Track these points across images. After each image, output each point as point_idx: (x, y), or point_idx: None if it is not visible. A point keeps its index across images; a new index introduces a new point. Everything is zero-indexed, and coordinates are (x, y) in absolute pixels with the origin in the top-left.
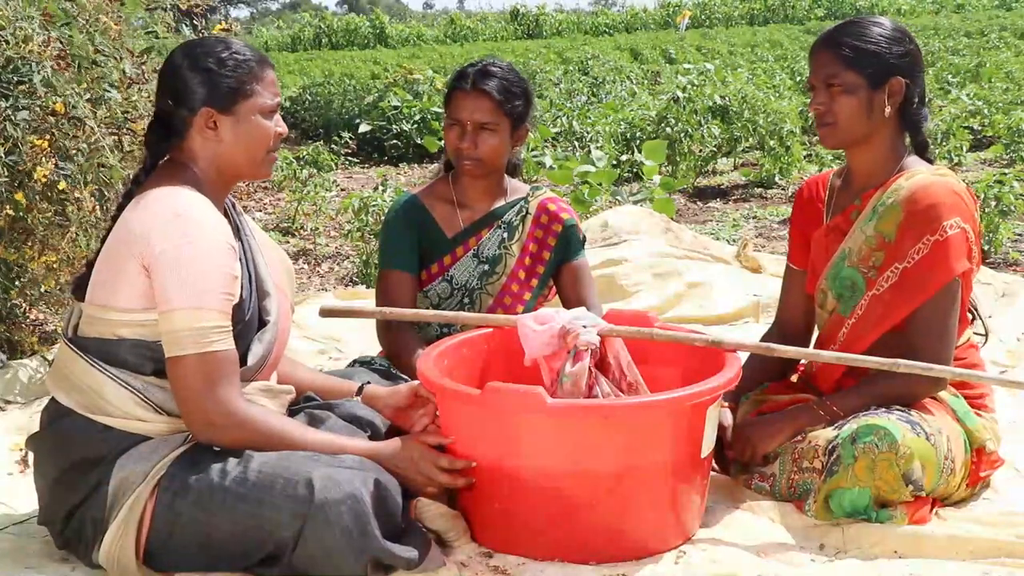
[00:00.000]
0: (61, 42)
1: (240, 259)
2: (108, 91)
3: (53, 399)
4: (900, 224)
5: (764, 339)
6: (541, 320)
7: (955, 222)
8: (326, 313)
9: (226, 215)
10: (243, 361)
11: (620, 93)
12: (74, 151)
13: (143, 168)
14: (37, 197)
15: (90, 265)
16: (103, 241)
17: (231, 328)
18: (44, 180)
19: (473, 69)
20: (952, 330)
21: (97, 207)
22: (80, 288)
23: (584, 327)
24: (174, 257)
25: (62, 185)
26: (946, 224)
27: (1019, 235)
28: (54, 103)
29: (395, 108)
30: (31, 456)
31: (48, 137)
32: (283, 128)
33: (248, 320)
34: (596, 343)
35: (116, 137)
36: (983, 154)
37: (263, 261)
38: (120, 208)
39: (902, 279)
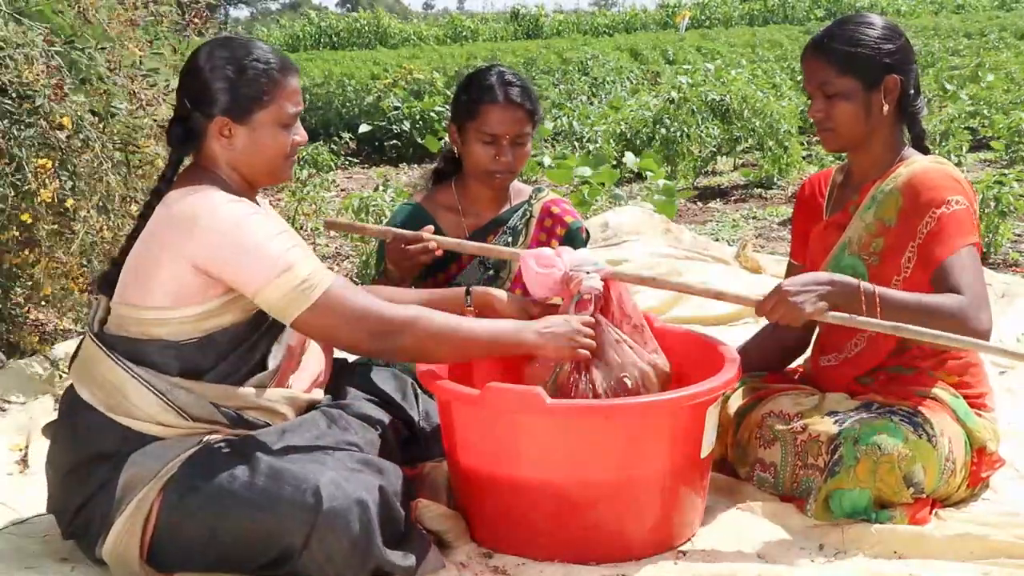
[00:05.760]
0: (60, 69)
1: None
2: (116, 108)
3: (73, 389)
4: (901, 208)
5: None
6: (544, 263)
7: (959, 199)
8: (330, 226)
9: None
10: (263, 365)
11: (620, 93)
12: (79, 165)
13: (169, 164)
14: (44, 216)
15: (115, 262)
16: (129, 239)
17: (323, 266)
18: (49, 200)
19: (496, 80)
20: (980, 275)
21: (104, 225)
22: (106, 285)
23: (587, 273)
24: (232, 245)
25: (69, 203)
26: (951, 199)
27: (1019, 235)
28: (61, 117)
29: (395, 108)
30: (35, 448)
31: (54, 155)
32: (301, 136)
33: (273, 319)
34: (599, 289)
35: (123, 154)
36: (983, 154)
37: None
38: (148, 206)
39: (920, 254)
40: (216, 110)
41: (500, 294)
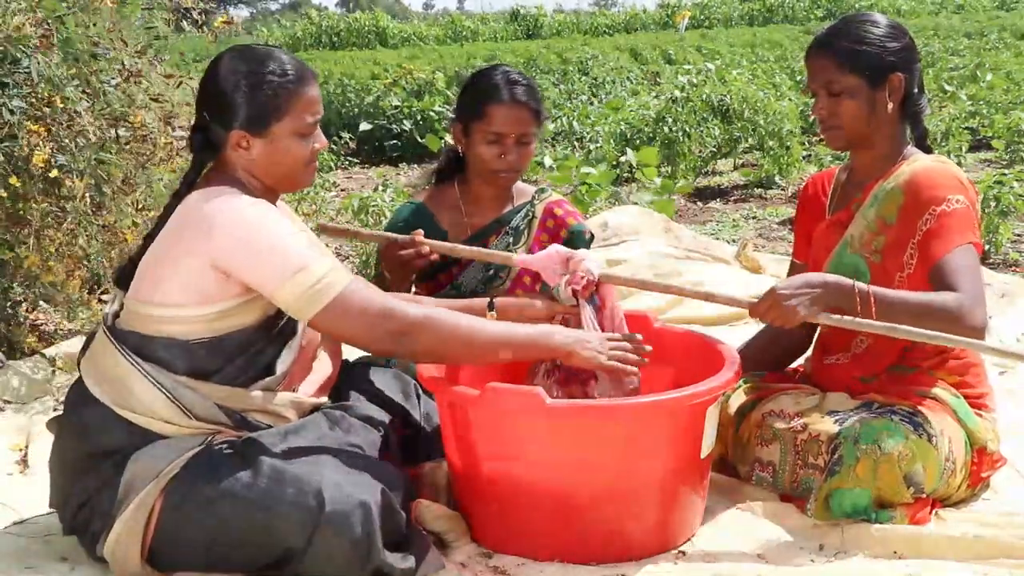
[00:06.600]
0: (47, 23)
1: None
2: (106, 83)
3: (80, 382)
4: (902, 206)
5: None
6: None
7: (959, 198)
8: (323, 230)
9: None
10: (272, 370)
11: (620, 93)
12: (68, 141)
13: (192, 168)
14: (34, 186)
15: (132, 259)
16: (147, 238)
17: (341, 266)
18: (42, 165)
19: (502, 80)
20: (977, 273)
21: (89, 199)
22: (123, 279)
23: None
24: (248, 245)
25: (54, 173)
26: (951, 198)
27: (1019, 235)
28: (50, 95)
29: (395, 108)
30: (35, 448)
31: (44, 125)
32: (321, 143)
33: (287, 322)
34: (596, 274)
35: (114, 130)
36: (983, 154)
37: None
38: (169, 208)
39: (920, 251)
40: (233, 123)
41: (530, 302)
